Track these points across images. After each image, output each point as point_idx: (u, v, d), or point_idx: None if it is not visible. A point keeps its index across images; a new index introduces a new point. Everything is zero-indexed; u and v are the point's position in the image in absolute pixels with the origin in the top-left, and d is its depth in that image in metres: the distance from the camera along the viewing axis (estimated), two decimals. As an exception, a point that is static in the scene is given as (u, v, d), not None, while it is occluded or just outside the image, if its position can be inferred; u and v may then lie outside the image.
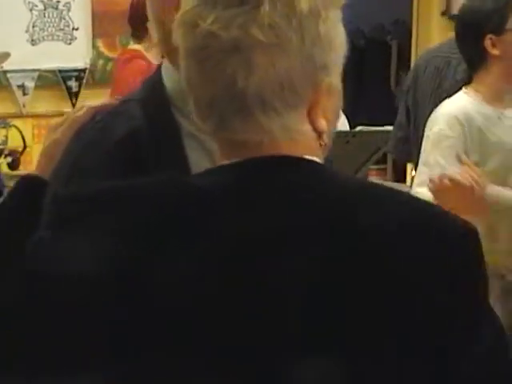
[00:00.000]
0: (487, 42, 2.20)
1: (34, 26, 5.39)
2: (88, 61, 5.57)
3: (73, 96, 5.55)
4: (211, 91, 0.92)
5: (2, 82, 5.33)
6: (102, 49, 5.61)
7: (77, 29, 5.51)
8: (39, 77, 5.42)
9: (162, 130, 1.24)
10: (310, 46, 0.90)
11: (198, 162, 1.19)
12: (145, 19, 3.84)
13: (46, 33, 5.44)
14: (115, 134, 1.20)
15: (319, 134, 0.93)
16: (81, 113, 1.42)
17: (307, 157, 0.93)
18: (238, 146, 0.93)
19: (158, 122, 1.24)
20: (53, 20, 5.45)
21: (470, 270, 0.88)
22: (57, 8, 5.42)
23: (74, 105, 5.47)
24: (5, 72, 5.18)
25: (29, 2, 5.31)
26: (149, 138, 1.21)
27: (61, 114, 5.24)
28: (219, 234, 0.89)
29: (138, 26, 3.92)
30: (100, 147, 1.20)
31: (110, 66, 5.26)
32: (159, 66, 1.30)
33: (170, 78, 1.27)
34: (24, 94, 5.41)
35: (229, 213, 0.91)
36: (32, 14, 5.34)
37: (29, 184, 1.32)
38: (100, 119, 1.34)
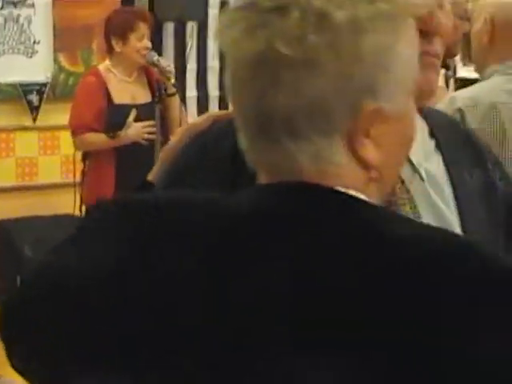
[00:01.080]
0: None
1: None
2: (49, 75, 5.47)
3: (33, 110, 5.45)
4: (241, 107, 0.87)
5: None
6: (64, 63, 5.52)
7: (38, 42, 5.41)
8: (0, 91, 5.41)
9: None
10: (349, 64, 0.80)
11: None
12: (116, 34, 4.08)
13: (6, 46, 5.34)
14: (225, 145, 1.18)
15: (365, 166, 0.83)
16: (200, 120, 1.43)
17: (339, 188, 0.83)
18: (266, 170, 0.87)
19: None
20: (13, 33, 5.36)
21: None
22: (17, 21, 5.34)
23: (34, 119, 5.44)
24: None
25: None
26: None
27: (21, 128, 4.98)
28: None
29: (109, 41, 4.12)
30: (208, 155, 1.21)
31: (71, 81, 5.26)
32: None
33: None
34: None
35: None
36: None
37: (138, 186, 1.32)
38: (216, 128, 1.32)
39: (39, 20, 5.37)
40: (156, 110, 4.06)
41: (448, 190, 1.21)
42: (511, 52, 2.33)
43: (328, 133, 0.81)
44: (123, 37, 4.14)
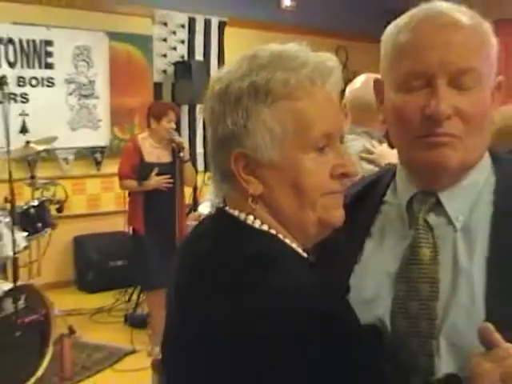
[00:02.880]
0: None
1: (73, 119, 5.92)
2: (108, 141, 6.15)
3: (98, 164, 6.12)
4: None
5: (51, 156, 5.64)
6: (117, 133, 6.20)
7: (100, 120, 6.08)
8: (76, 152, 5.93)
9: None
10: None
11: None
12: (154, 116, 4.36)
13: (81, 124, 5.97)
14: (380, 185, 1.09)
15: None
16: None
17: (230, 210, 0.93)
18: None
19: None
20: (85, 115, 6.00)
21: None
22: (88, 107, 6.00)
23: (98, 169, 6.10)
24: (54, 149, 5.46)
25: (69, 104, 5.89)
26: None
27: (90, 176, 6.07)
28: None
29: (149, 120, 4.42)
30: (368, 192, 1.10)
31: (121, 145, 5.64)
32: None
33: None
34: (66, 163, 5.91)
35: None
36: (72, 112, 5.91)
37: None
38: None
39: (101, 106, 6.07)
40: (177, 167, 4.25)
41: (482, 245, 0.95)
42: None
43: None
44: (158, 119, 4.36)
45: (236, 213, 0.91)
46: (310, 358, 0.79)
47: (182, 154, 4.34)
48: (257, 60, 0.89)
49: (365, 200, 1.08)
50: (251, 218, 0.90)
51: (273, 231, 0.90)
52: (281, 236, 0.91)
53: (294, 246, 0.92)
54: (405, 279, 1.00)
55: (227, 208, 0.93)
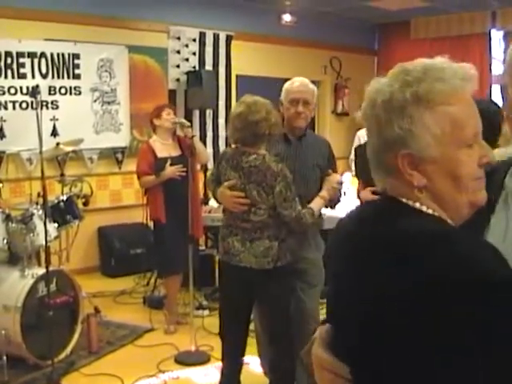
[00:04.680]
0: None
1: (97, 123, 5.91)
2: (128, 142, 6.13)
3: (119, 163, 6.12)
4: None
5: (78, 156, 5.69)
6: (136, 135, 6.18)
7: (122, 124, 6.07)
8: (100, 152, 5.92)
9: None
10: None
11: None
12: (155, 116, 4.36)
13: (104, 127, 5.96)
14: None
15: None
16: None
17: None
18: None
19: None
20: (108, 119, 5.98)
21: None
22: (110, 112, 5.99)
23: (119, 168, 6.08)
24: (80, 150, 5.54)
25: (94, 110, 5.87)
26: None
27: (112, 173, 6.05)
28: None
29: (152, 125, 4.43)
30: None
31: (140, 145, 5.38)
32: None
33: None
34: (91, 162, 5.91)
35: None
36: (96, 117, 5.89)
37: None
38: None
39: (122, 111, 6.05)
40: (189, 160, 4.06)
41: None
42: None
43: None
44: (159, 116, 4.37)
45: (404, 200, 0.95)
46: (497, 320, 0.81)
47: (189, 131, 4.25)
48: (412, 73, 0.94)
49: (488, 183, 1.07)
50: (417, 204, 0.95)
51: (436, 214, 0.95)
52: (444, 217, 0.96)
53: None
54: None
55: (395, 197, 0.97)
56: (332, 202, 3.05)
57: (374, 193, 3.51)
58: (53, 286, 3.68)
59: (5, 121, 5.31)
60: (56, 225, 4.06)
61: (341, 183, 3.01)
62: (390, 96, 0.93)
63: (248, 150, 2.77)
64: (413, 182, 0.93)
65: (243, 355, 3.00)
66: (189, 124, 4.33)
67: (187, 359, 3.90)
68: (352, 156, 5.55)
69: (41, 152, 3.46)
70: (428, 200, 0.95)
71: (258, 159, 2.73)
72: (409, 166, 0.93)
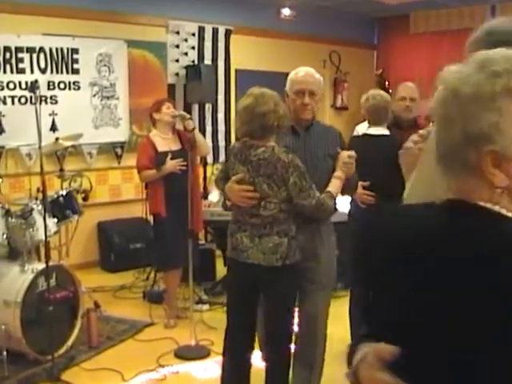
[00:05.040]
0: None
1: (96, 118, 5.89)
2: (127, 137, 6.11)
3: (118, 157, 6.10)
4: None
5: (78, 151, 5.68)
6: (135, 130, 6.16)
7: (121, 119, 6.05)
8: (99, 147, 5.90)
9: None
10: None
11: None
12: (154, 110, 4.33)
13: (103, 122, 5.94)
14: None
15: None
16: None
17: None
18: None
19: None
20: (107, 114, 5.97)
21: None
22: (109, 107, 5.96)
23: (119, 162, 6.05)
24: (80, 145, 5.52)
25: (93, 105, 5.84)
26: None
27: (111, 168, 6.02)
28: None
29: (152, 120, 4.41)
30: None
31: (139, 140, 5.41)
32: None
33: None
34: (91, 157, 5.89)
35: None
36: (95, 111, 5.87)
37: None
38: None
39: (121, 106, 6.03)
40: (189, 154, 4.02)
41: None
42: None
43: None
44: (158, 110, 4.34)
45: (482, 203, 0.88)
46: None
47: (190, 123, 4.22)
48: (499, 63, 0.86)
49: None
50: (496, 207, 0.88)
51: None
52: None
53: None
54: None
55: (470, 199, 0.90)
56: (350, 183, 2.90)
57: (363, 187, 3.47)
58: (53, 281, 3.68)
59: (4, 116, 5.30)
60: (56, 220, 4.05)
61: (352, 157, 2.83)
62: (476, 88, 0.85)
63: (256, 143, 2.69)
64: (493, 181, 0.86)
65: (251, 352, 2.91)
66: (189, 116, 4.32)
67: (187, 354, 3.91)
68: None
69: (40, 147, 3.44)
70: (507, 202, 0.88)
71: (267, 151, 2.66)
72: (492, 163, 0.86)
